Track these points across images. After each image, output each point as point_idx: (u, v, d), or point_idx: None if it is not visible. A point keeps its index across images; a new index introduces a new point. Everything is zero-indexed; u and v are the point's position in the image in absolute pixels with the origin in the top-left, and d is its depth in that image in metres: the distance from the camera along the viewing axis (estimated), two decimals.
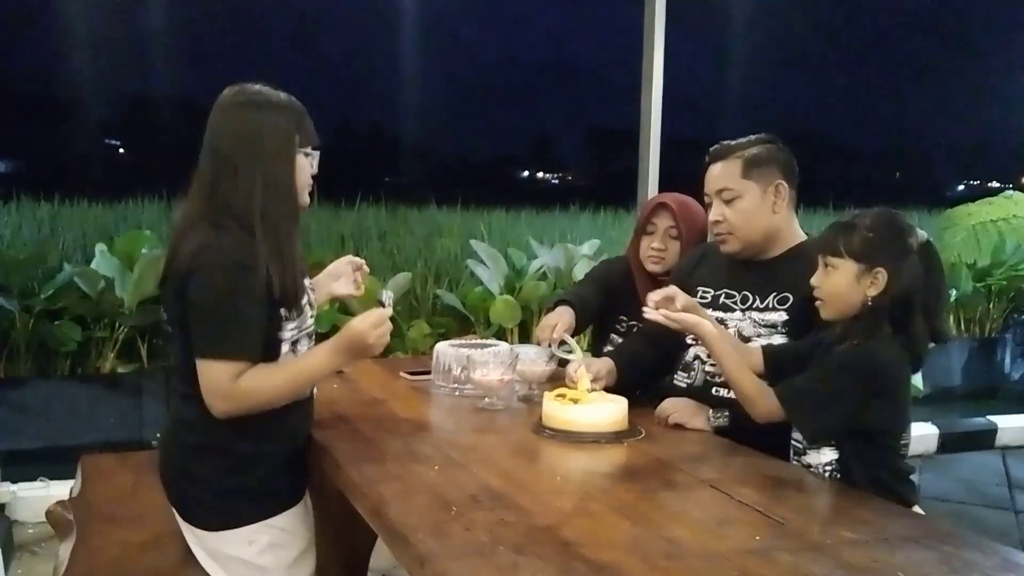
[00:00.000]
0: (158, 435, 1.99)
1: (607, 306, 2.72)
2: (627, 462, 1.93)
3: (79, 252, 6.60)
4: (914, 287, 1.83)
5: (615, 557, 1.38)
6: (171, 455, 1.91)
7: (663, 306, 2.08)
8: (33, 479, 3.56)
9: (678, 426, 2.16)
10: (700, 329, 2.03)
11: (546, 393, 2.15)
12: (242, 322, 1.75)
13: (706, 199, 2.33)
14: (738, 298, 2.28)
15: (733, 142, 2.28)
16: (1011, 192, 7.11)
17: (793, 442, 1.96)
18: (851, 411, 1.81)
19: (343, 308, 6.04)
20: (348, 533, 2.10)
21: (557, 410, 2.06)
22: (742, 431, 2.06)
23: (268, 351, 1.81)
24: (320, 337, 1.94)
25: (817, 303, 1.93)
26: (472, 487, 1.68)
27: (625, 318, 2.72)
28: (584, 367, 2.22)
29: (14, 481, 3.54)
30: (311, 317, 1.94)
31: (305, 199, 1.91)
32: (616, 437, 2.02)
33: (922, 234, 1.88)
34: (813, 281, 1.93)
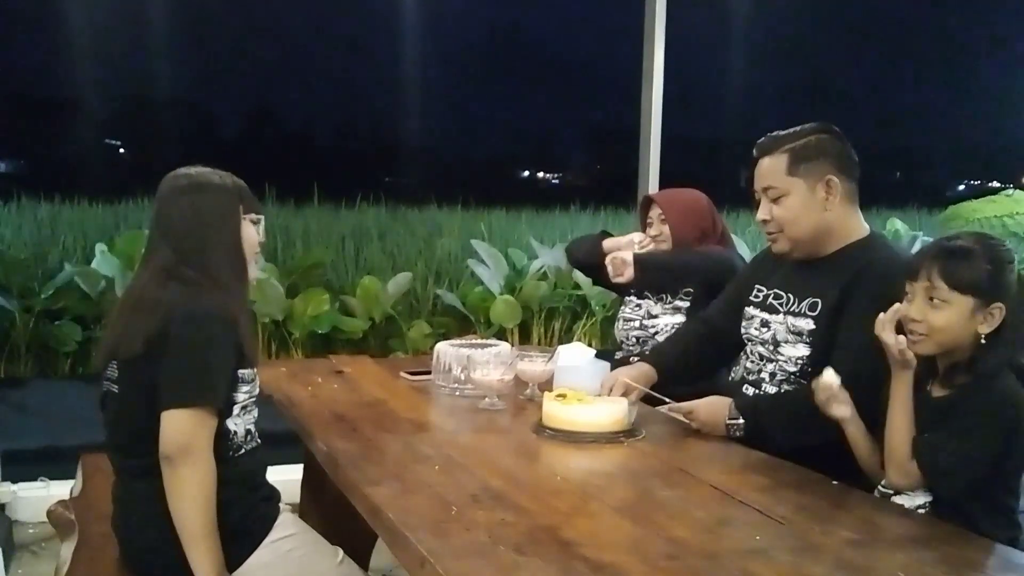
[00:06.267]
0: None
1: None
2: (627, 462, 1.93)
3: (79, 252, 6.61)
4: (1019, 320, 1.70)
5: (615, 557, 1.38)
6: (142, 541, 1.85)
7: None
8: (33, 479, 3.55)
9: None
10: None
11: (546, 393, 2.15)
12: (214, 372, 1.78)
13: (755, 196, 2.17)
14: (783, 299, 2.16)
15: (782, 133, 2.11)
16: (1012, 191, 7.13)
17: (881, 488, 1.83)
18: (989, 461, 1.68)
19: (343, 309, 6.04)
20: (348, 533, 2.10)
21: (557, 410, 2.06)
22: (759, 438, 2.03)
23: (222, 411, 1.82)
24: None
25: (914, 337, 1.74)
26: (472, 487, 1.68)
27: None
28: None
29: (14, 481, 3.53)
30: (258, 385, 1.96)
31: (254, 268, 1.99)
32: (616, 437, 2.02)
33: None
34: (913, 314, 1.73)
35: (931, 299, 1.72)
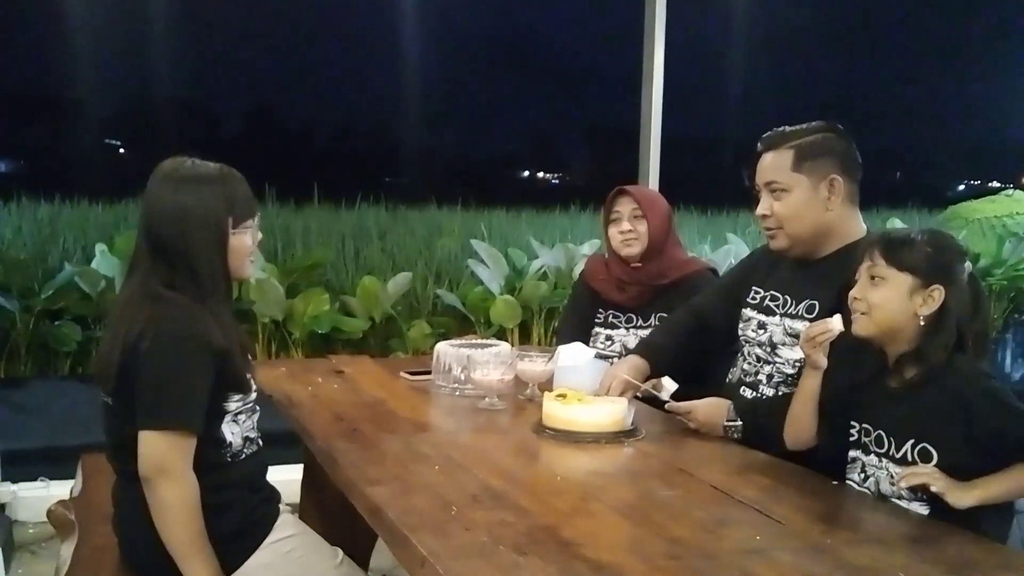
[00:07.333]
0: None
1: (589, 318, 2.87)
2: (627, 462, 1.93)
3: (79, 252, 6.60)
4: (964, 317, 1.72)
5: (615, 557, 1.38)
6: (143, 542, 1.83)
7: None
8: (33, 479, 3.55)
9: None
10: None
11: (546, 393, 2.15)
12: (187, 394, 1.75)
13: (755, 191, 2.16)
14: (780, 301, 2.16)
15: (788, 129, 2.10)
16: (1012, 191, 7.15)
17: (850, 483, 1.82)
18: None
19: (343, 309, 6.04)
20: (348, 533, 2.10)
21: (557, 410, 2.06)
22: (757, 440, 2.03)
23: (209, 422, 1.80)
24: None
25: (855, 316, 1.77)
26: (472, 487, 1.68)
27: (601, 310, 2.85)
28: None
29: (14, 481, 3.53)
30: (254, 392, 1.94)
31: (246, 271, 1.94)
32: (616, 437, 2.02)
33: (968, 265, 1.78)
34: (855, 292, 1.77)
35: (872, 278, 1.76)
